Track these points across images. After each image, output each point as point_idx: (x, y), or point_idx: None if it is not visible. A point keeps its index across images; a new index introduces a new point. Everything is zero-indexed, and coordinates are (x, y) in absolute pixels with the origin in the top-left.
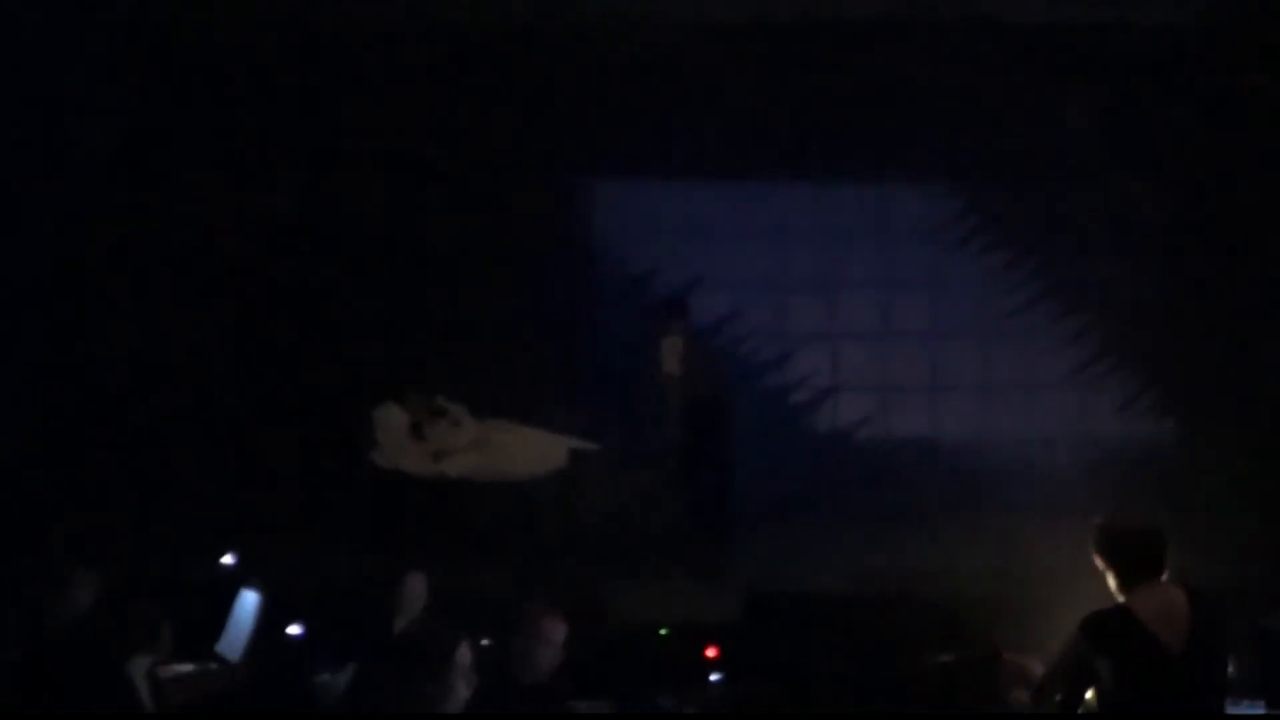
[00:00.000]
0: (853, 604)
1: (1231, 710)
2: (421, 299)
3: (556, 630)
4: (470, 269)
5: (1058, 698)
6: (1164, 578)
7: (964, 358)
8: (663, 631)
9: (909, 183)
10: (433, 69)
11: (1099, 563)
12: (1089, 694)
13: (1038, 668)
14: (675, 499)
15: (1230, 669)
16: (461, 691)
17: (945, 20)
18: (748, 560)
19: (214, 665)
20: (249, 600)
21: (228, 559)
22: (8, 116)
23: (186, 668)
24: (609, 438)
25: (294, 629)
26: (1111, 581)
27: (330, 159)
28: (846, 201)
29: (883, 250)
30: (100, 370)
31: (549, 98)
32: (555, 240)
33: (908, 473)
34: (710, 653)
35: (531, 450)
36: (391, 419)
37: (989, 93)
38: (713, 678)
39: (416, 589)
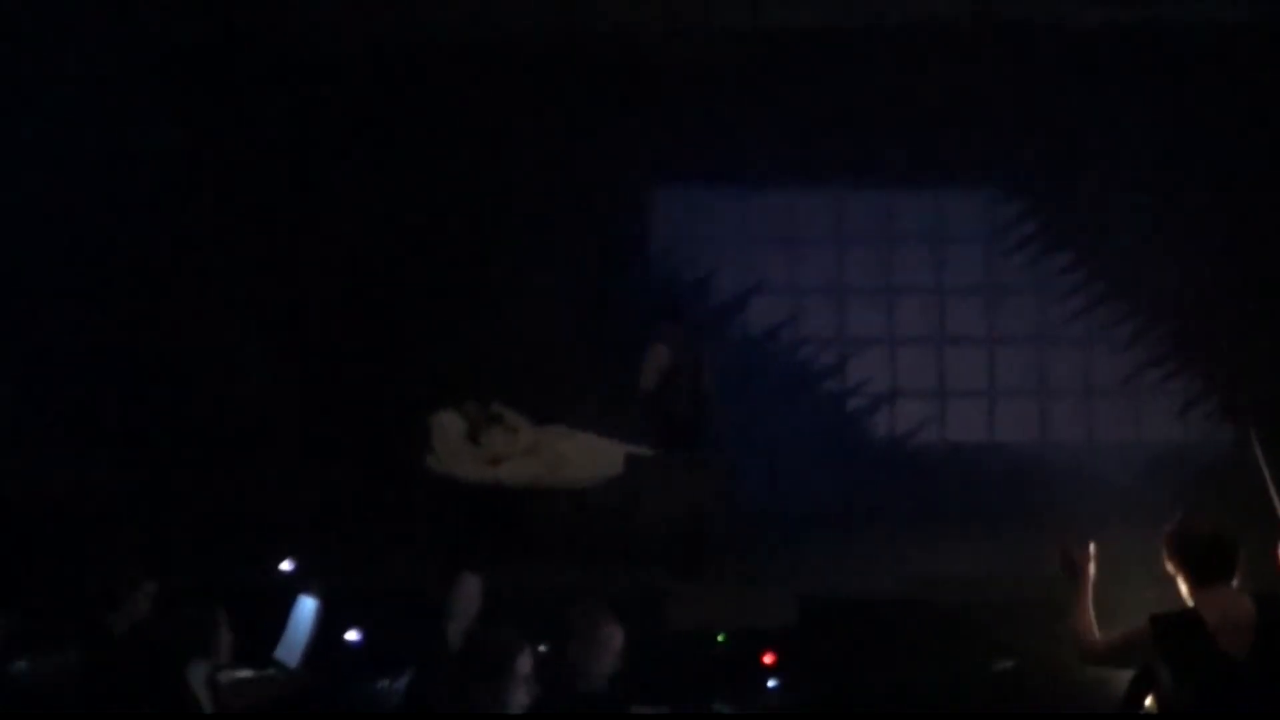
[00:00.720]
0: (911, 610)
1: None
2: (478, 306)
3: (614, 636)
4: (528, 275)
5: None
6: (1234, 585)
7: (1022, 363)
8: (720, 637)
9: (967, 188)
10: (491, 78)
11: (1170, 565)
12: (1148, 701)
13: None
14: (733, 504)
15: None
16: (521, 699)
17: (1003, 25)
18: (805, 566)
19: (272, 671)
20: (307, 606)
21: (286, 565)
22: (68, 123)
23: (245, 673)
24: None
25: (352, 635)
26: (1181, 585)
27: (387, 168)
28: (905, 207)
29: (940, 255)
30: (159, 376)
31: (609, 105)
32: (614, 246)
33: (965, 478)
34: (768, 658)
35: (588, 456)
36: (448, 425)
37: (1047, 96)
38: (770, 683)
39: (470, 593)
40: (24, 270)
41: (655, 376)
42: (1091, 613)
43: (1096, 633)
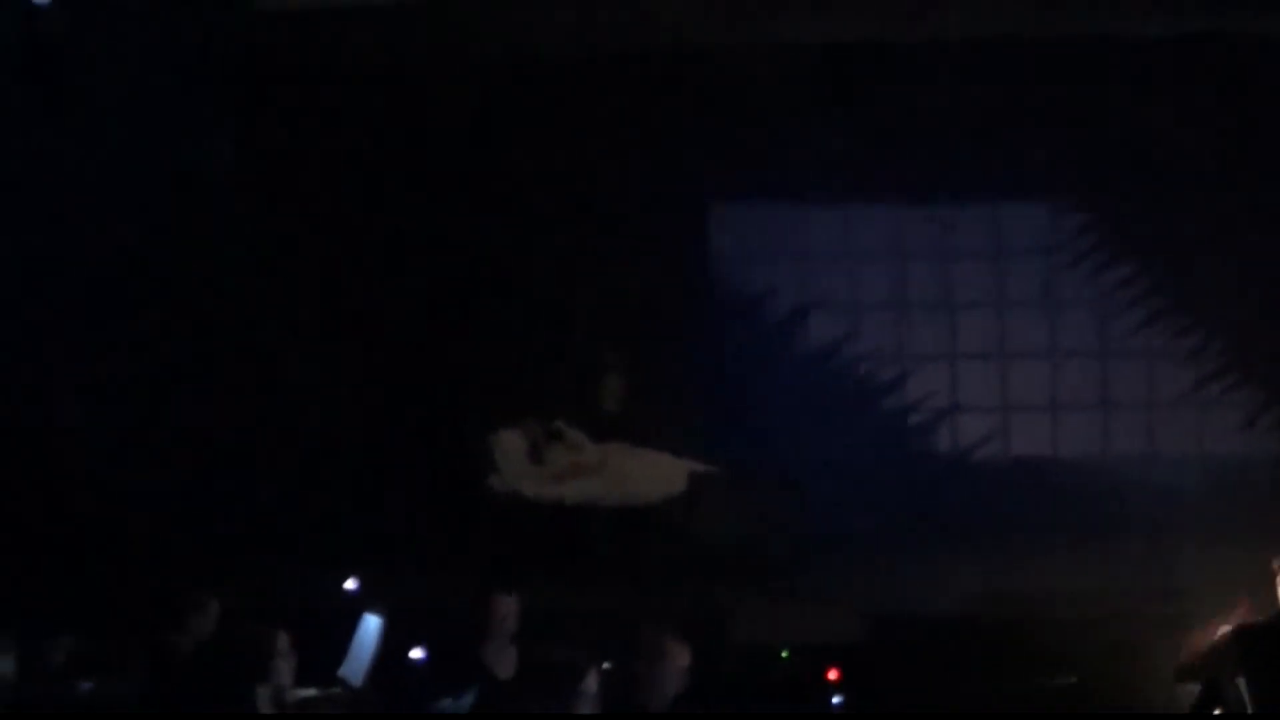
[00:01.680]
0: (974, 626)
1: None
2: (540, 322)
3: (678, 653)
4: (589, 292)
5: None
6: None
7: (1083, 376)
8: (784, 654)
9: (1026, 201)
10: (550, 94)
11: (1276, 565)
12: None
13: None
14: (795, 520)
15: None
16: (585, 717)
17: (1062, 37)
18: (867, 582)
19: (337, 690)
20: (371, 625)
21: (350, 583)
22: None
23: (309, 692)
24: (729, 459)
25: (416, 653)
26: None
27: (450, 184)
28: (963, 221)
29: (1000, 269)
30: (221, 395)
31: (668, 121)
32: (674, 263)
33: (1028, 493)
34: (832, 675)
35: (651, 473)
36: (510, 443)
37: (1107, 109)
38: (834, 700)
39: (503, 614)
40: (87, 281)
41: (614, 403)
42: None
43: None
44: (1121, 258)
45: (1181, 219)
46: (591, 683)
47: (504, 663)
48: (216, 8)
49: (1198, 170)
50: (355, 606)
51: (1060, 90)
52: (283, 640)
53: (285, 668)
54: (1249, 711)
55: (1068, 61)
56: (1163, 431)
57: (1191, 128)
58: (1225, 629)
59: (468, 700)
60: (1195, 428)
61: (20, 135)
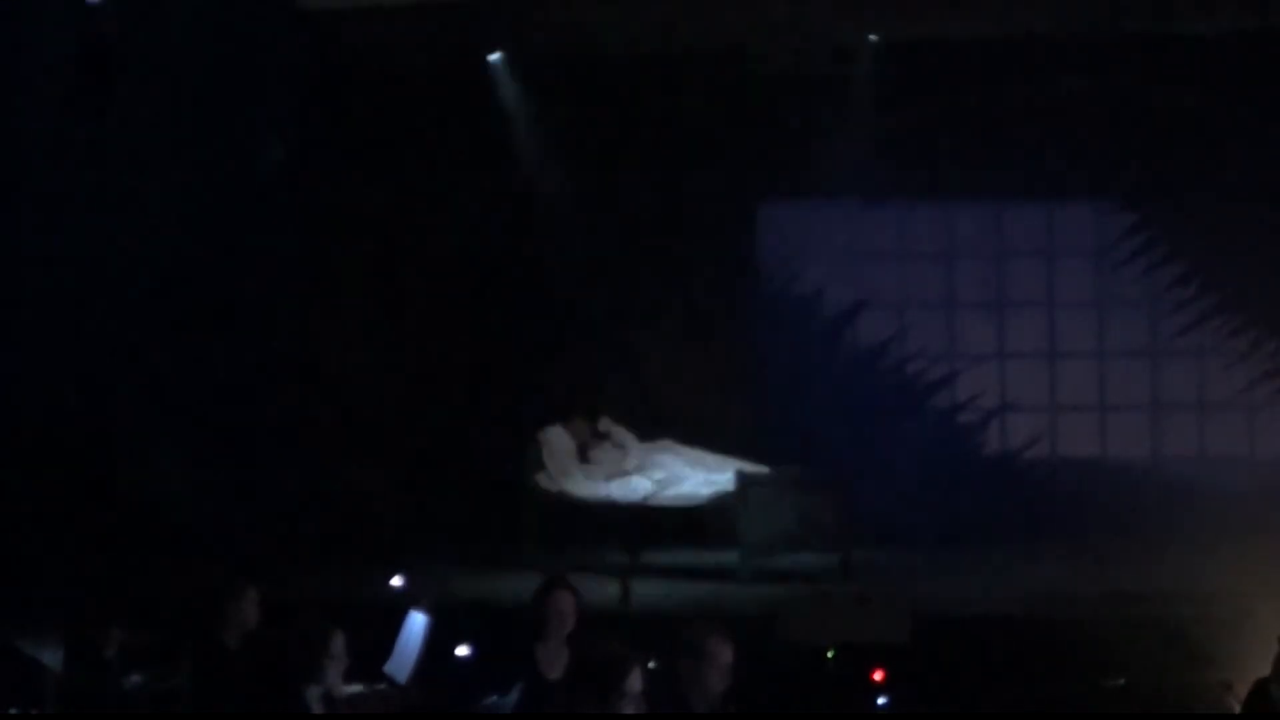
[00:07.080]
0: (1021, 626)
1: None
2: (588, 322)
3: (724, 652)
4: (637, 291)
5: None
6: None
7: (1133, 376)
8: (829, 653)
9: (1076, 201)
10: (599, 93)
11: None
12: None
13: None
14: (843, 520)
15: None
16: (630, 716)
17: (1111, 37)
18: (914, 581)
19: (382, 686)
20: (417, 621)
21: (397, 580)
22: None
23: (355, 688)
24: (776, 458)
25: (462, 650)
26: None
27: (495, 186)
28: (1014, 221)
29: (1051, 269)
30: (271, 393)
31: (716, 119)
32: (723, 262)
33: (1076, 493)
34: (877, 675)
35: (697, 471)
36: (557, 442)
37: (1156, 108)
38: (880, 700)
39: (560, 610)
40: (139, 280)
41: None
42: None
43: None
44: (1173, 258)
45: (1233, 219)
46: (635, 680)
47: (556, 662)
48: (260, 6)
49: (1249, 169)
50: (402, 603)
51: (1112, 90)
52: (339, 639)
53: (338, 666)
54: None
55: (1120, 61)
56: (1213, 433)
57: (1244, 128)
58: None
59: (513, 698)
60: (1245, 428)
61: (72, 132)
